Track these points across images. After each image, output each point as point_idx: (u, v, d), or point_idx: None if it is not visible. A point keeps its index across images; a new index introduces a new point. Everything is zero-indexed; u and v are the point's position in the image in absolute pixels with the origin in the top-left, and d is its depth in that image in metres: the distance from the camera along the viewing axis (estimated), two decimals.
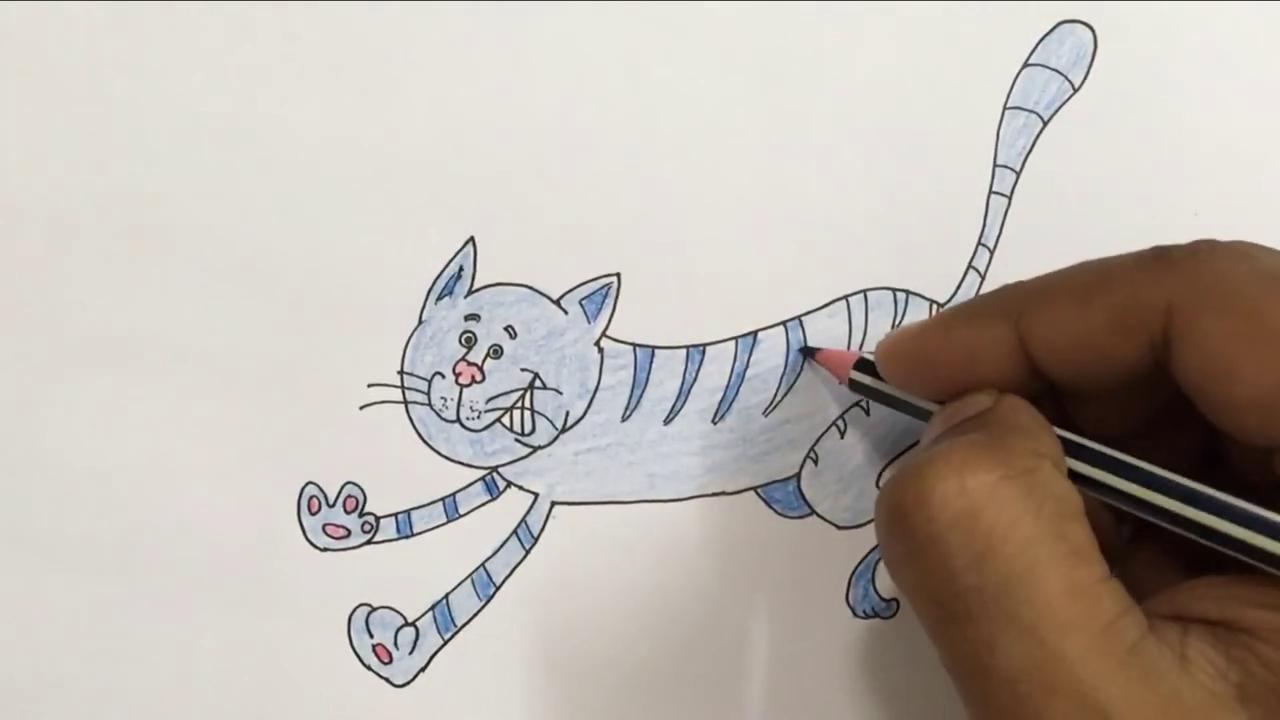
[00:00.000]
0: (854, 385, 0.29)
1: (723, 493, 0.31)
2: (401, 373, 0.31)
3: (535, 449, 0.31)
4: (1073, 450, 0.26)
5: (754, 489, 0.32)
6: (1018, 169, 0.31)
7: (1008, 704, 0.22)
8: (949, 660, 0.24)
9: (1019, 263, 0.30)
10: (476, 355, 0.31)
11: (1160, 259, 0.25)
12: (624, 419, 0.31)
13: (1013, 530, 0.23)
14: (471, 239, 0.30)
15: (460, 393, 0.31)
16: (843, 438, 0.32)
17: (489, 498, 0.31)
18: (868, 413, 0.32)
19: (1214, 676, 0.23)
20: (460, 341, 0.31)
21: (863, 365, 0.29)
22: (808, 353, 0.31)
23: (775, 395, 0.31)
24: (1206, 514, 0.24)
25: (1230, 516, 0.24)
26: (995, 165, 0.31)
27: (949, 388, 0.27)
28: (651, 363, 0.31)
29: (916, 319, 0.31)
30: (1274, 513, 0.24)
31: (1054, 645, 0.22)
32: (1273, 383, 0.23)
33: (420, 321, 0.31)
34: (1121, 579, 0.24)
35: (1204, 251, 0.24)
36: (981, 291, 0.31)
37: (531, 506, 0.31)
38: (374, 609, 0.31)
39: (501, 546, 0.31)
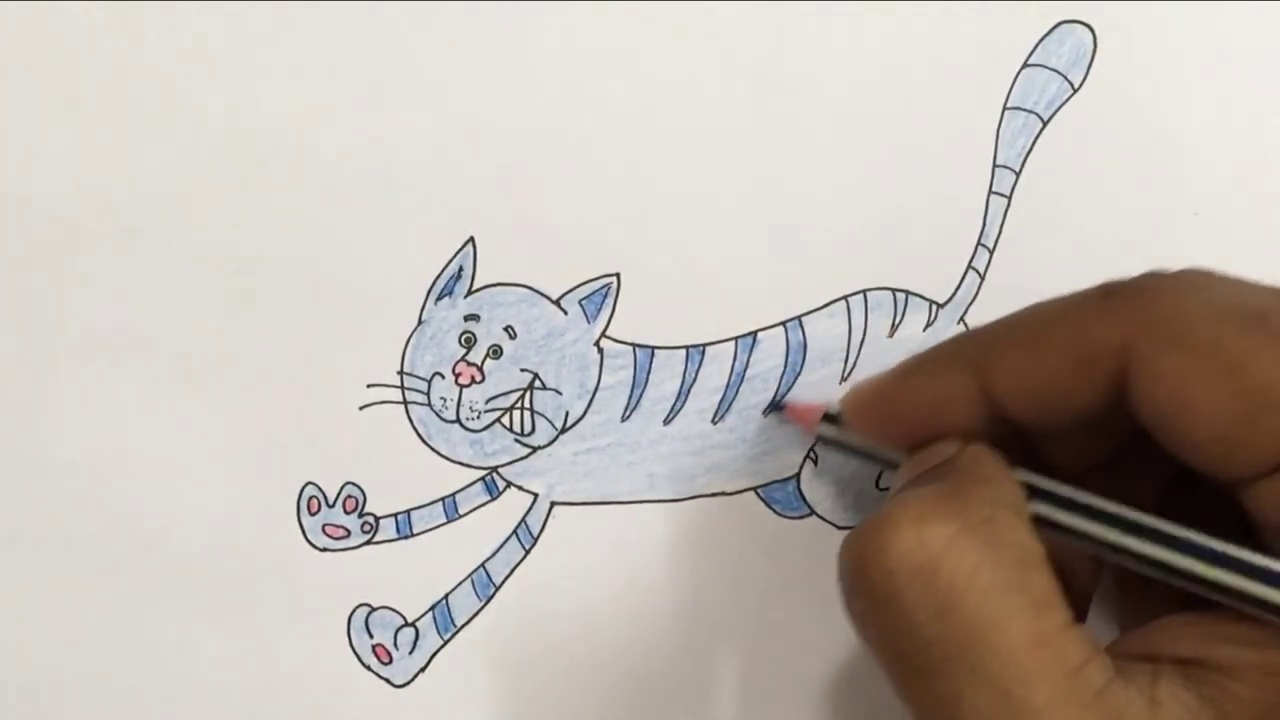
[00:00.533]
0: (822, 440, 0.30)
1: (723, 493, 0.31)
2: (401, 373, 0.31)
3: (535, 449, 0.31)
4: (1036, 494, 0.26)
5: (754, 489, 0.32)
6: (1018, 169, 0.31)
7: None
8: (916, 715, 0.23)
9: (1019, 263, 0.30)
10: (476, 355, 0.31)
11: (1110, 297, 0.25)
12: (624, 419, 0.31)
13: (973, 581, 0.23)
14: (471, 239, 0.30)
15: (460, 393, 0.31)
16: None
17: (489, 498, 0.31)
18: None
19: (1185, 718, 0.23)
20: (460, 342, 0.31)
21: (830, 418, 0.29)
22: (776, 408, 0.31)
23: (775, 395, 0.31)
24: (1175, 554, 0.24)
25: (1199, 555, 0.24)
26: (995, 165, 0.31)
27: (915, 437, 0.27)
28: (651, 363, 0.31)
29: (916, 319, 0.31)
30: (1243, 548, 0.24)
31: (1020, 696, 0.22)
32: (1231, 418, 0.23)
33: (420, 322, 0.31)
34: (1120, 612, 0.24)
35: (1152, 287, 0.24)
36: (981, 292, 0.31)
37: (531, 507, 0.31)
38: (374, 609, 0.31)
39: (501, 547, 0.31)
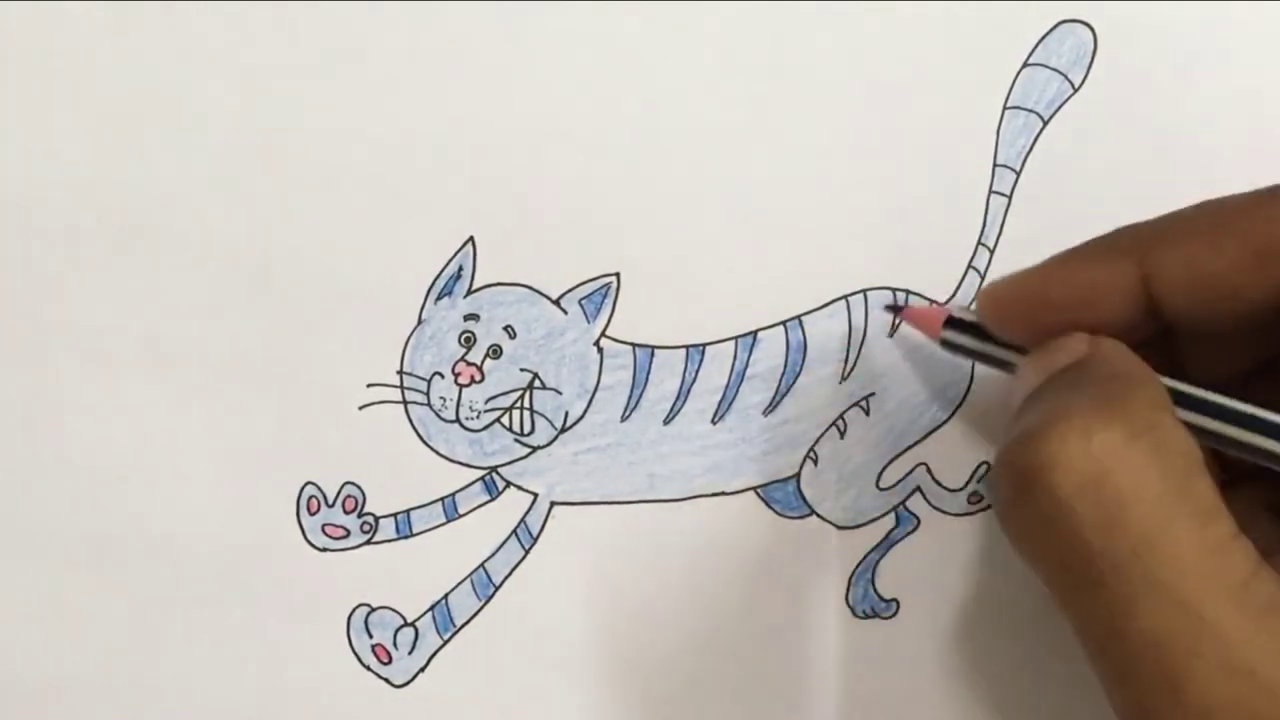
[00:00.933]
0: (945, 344, 0.29)
1: (723, 493, 0.31)
2: (401, 373, 0.31)
3: (535, 449, 0.31)
4: (1185, 400, 0.25)
5: (754, 489, 0.31)
6: (1018, 169, 0.31)
7: (1149, 670, 0.22)
8: (1082, 628, 0.23)
9: (1019, 263, 0.30)
10: (476, 355, 0.31)
11: None
12: (624, 419, 0.31)
13: (1141, 491, 0.22)
14: (471, 239, 0.30)
15: (460, 393, 0.31)
16: (843, 438, 0.32)
17: (488, 498, 0.31)
18: (867, 413, 0.32)
19: None
20: (460, 341, 0.31)
21: (952, 322, 0.29)
22: (894, 310, 0.31)
23: (775, 395, 0.31)
24: None
25: None
26: (995, 165, 0.31)
27: (1058, 330, 0.26)
28: (651, 363, 0.31)
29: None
30: None
31: (1195, 606, 0.22)
32: None
33: (420, 321, 0.31)
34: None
35: None
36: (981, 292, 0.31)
37: (531, 507, 0.31)
38: (373, 609, 0.31)
39: (501, 547, 0.31)
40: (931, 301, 0.31)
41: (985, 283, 0.28)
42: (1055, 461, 0.23)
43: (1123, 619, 0.22)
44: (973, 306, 0.29)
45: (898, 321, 0.31)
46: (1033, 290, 0.27)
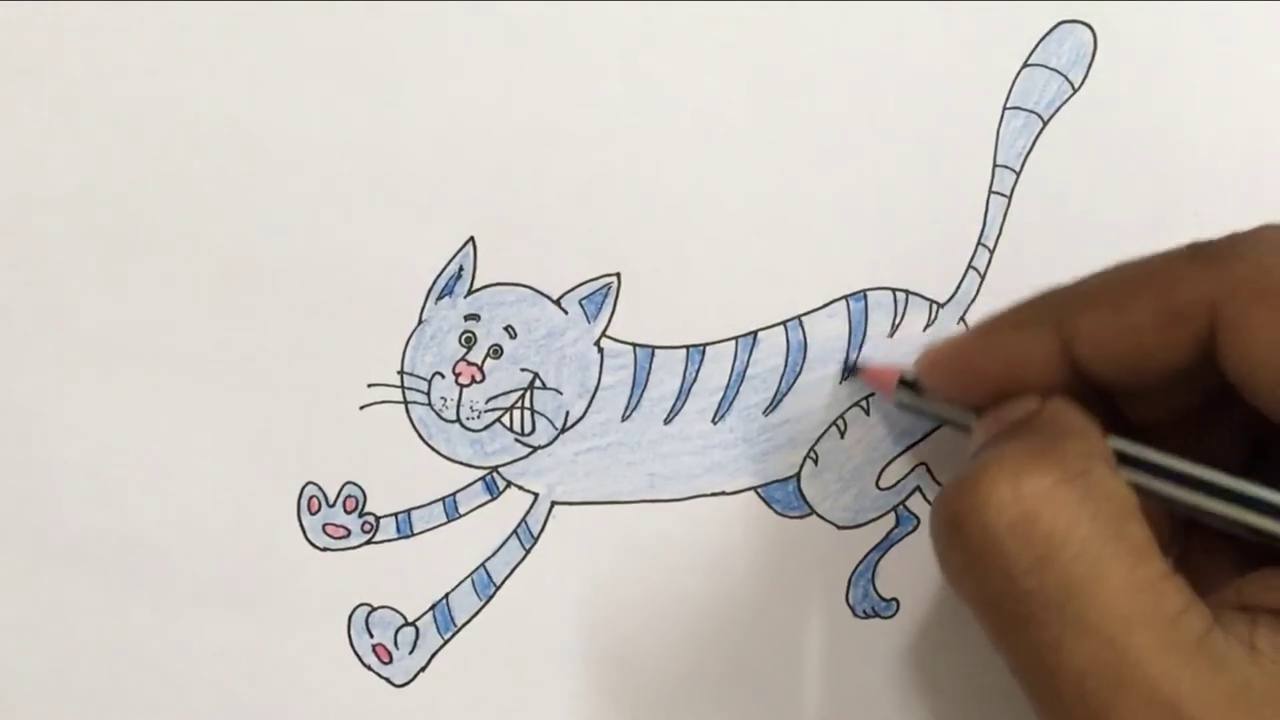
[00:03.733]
0: (899, 404, 0.30)
1: (723, 493, 0.31)
2: (401, 373, 0.31)
3: (535, 449, 0.31)
4: (1122, 457, 0.26)
5: (754, 489, 0.32)
6: (1018, 169, 0.31)
7: (1075, 703, 0.23)
8: (1014, 664, 0.24)
9: (1019, 263, 0.30)
10: (476, 355, 0.31)
11: (1198, 256, 0.25)
12: (624, 419, 0.31)
13: (1071, 532, 0.23)
14: (471, 239, 0.30)
15: (460, 393, 0.31)
16: (843, 438, 0.32)
17: (489, 498, 0.31)
18: (867, 413, 0.32)
19: None
20: (460, 341, 0.31)
21: (905, 383, 0.30)
22: (852, 370, 0.31)
23: (775, 395, 0.31)
24: (1259, 516, 0.25)
25: None
26: (995, 165, 0.31)
27: (993, 396, 0.27)
28: (651, 363, 0.31)
29: (916, 319, 0.31)
30: None
31: (1121, 642, 0.22)
32: None
33: (420, 321, 0.31)
34: (1184, 567, 0.24)
35: (1243, 244, 0.25)
36: (981, 292, 0.31)
37: (531, 506, 0.31)
38: (374, 609, 0.31)
39: (501, 546, 0.31)
40: (931, 301, 0.31)
41: (921, 351, 0.28)
42: (985, 503, 0.23)
43: (1051, 654, 0.23)
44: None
45: (898, 322, 0.31)
46: (964, 358, 0.28)
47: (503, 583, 0.31)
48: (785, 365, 0.31)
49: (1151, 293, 0.25)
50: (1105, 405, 0.27)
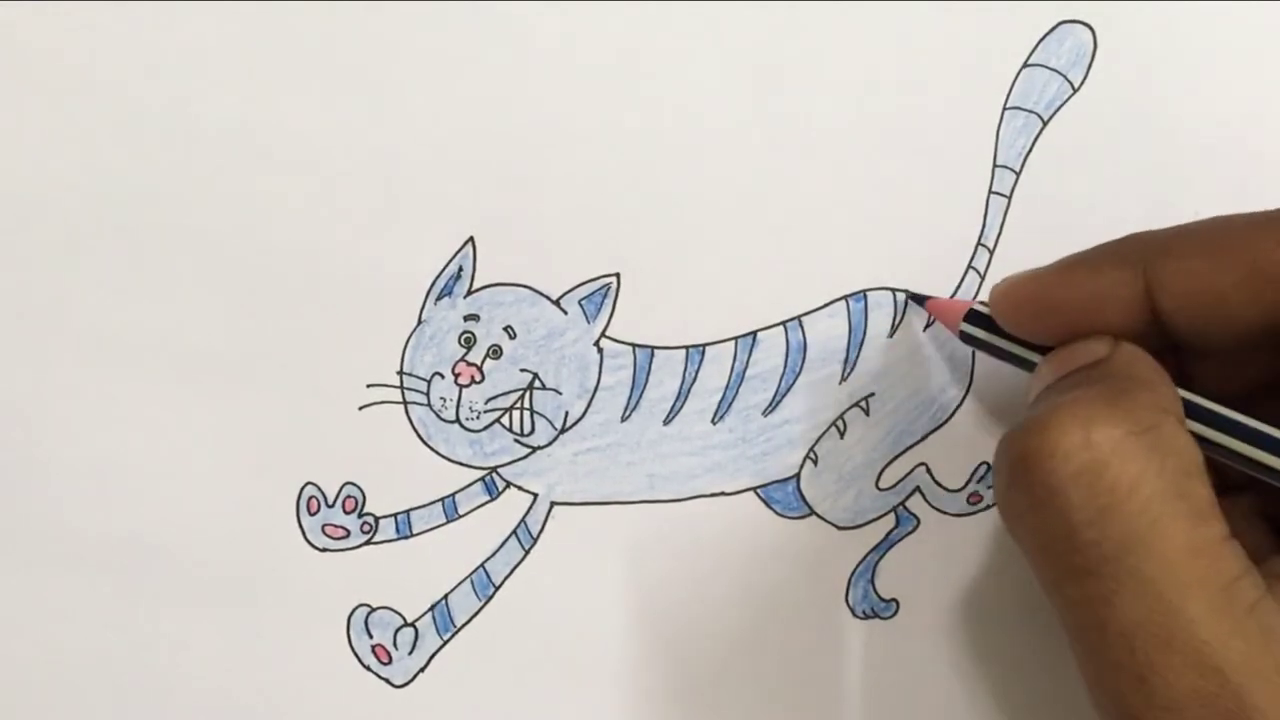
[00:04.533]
0: (964, 336, 0.29)
1: (722, 493, 0.31)
2: (401, 373, 0.31)
3: (534, 449, 0.31)
4: (1191, 411, 0.25)
5: (753, 489, 0.31)
6: (1017, 169, 0.31)
7: (1123, 658, 0.23)
8: (1064, 613, 0.24)
9: (1019, 263, 0.30)
10: (476, 355, 0.31)
11: None
12: (623, 419, 0.31)
13: (1136, 486, 0.23)
14: (471, 239, 0.30)
15: (460, 393, 0.31)
16: (842, 438, 0.32)
17: (488, 498, 0.31)
18: (867, 413, 0.32)
19: None
20: (460, 342, 0.31)
21: (972, 316, 0.29)
22: (916, 299, 0.31)
23: (775, 395, 0.31)
24: None
25: None
26: (995, 165, 0.31)
27: (1066, 334, 0.27)
28: (651, 363, 0.31)
29: (917, 319, 0.31)
30: None
31: (1174, 602, 0.22)
32: None
33: (420, 322, 0.31)
34: (1236, 535, 0.24)
35: None
36: (981, 292, 0.31)
37: (531, 507, 0.31)
38: (373, 609, 0.31)
39: (501, 547, 0.31)
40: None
41: (999, 280, 0.28)
42: (1054, 448, 0.23)
43: (1104, 607, 0.23)
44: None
45: (898, 322, 0.31)
46: (1042, 292, 0.27)
47: (502, 583, 0.31)
48: (785, 366, 0.31)
49: (1245, 249, 0.25)
50: (1175, 367, 0.27)
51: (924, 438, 0.32)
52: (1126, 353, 0.26)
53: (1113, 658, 0.23)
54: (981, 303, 0.29)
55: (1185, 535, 0.23)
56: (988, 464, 0.32)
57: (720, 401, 0.31)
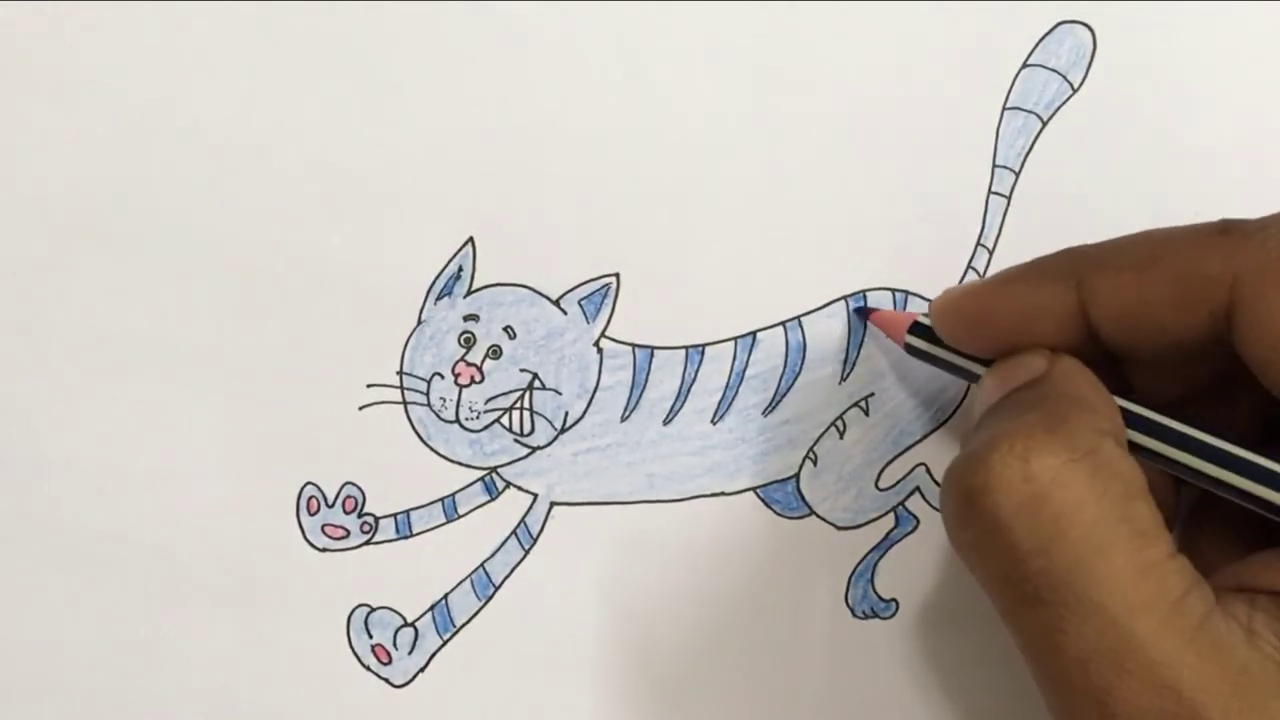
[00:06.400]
0: (909, 349, 0.29)
1: (722, 493, 0.31)
2: (400, 373, 0.31)
3: (534, 449, 0.31)
4: (1133, 422, 0.26)
5: (753, 489, 0.32)
6: (1017, 169, 0.31)
7: (1079, 683, 0.23)
8: (1020, 642, 0.24)
9: (1019, 263, 0.30)
10: (475, 356, 0.31)
11: (1227, 232, 0.25)
12: (623, 419, 0.31)
13: (1078, 513, 0.23)
14: (471, 239, 0.30)
15: (459, 393, 0.31)
16: (842, 438, 0.32)
17: (488, 498, 0.31)
18: (867, 413, 0.32)
19: None
20: (459, 342, 0.31)
21: (916, 329, 0.29)
22: (862, 314, 0.31)
23: (774, 396, 0.31)
24: (1268, 489, 0.24)
25: None
26: (995, 165, 0.31)
27: (1004, 346, 0.27)
28: (651, 363, 0.31)
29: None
30: None
31: (1124, 624, 0.23)
32: None
33: (419, 322, 0.31)
34: (1186, 546, 0.24)
35: (1274, 227, 0.25)
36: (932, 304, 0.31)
37: (531, 507, 0.31)
38: (373, 609, 0.31)
39: (501, 547, 0.31)
40: (931, 302, 0.31)
41: (937, 295, 0.28)
42: (995, 484, 0.23)
43: (1057, 634, 0.23)
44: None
45: (800, 366, 0.31)
46: (980, 305, 0.27)
47: (502, 583, 0.31)
48: (784, 366, 0.31)
49: (1175, 262, 0.25)
50: (1115, 374, 0.27)
51: (924, 438, 0.32)
52: (1064, 369, 0.26)
53: (1070, 682, 0.23)
54: (924, 315, 0.29)
55: (1130, 557, 0.23)
56: None
57: (720, 401, 0.31)
